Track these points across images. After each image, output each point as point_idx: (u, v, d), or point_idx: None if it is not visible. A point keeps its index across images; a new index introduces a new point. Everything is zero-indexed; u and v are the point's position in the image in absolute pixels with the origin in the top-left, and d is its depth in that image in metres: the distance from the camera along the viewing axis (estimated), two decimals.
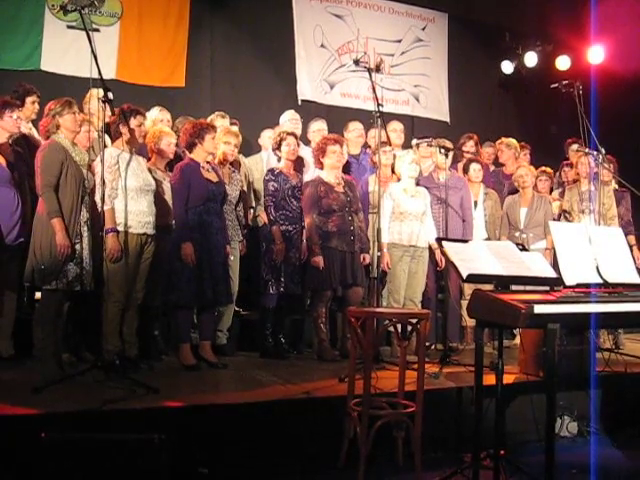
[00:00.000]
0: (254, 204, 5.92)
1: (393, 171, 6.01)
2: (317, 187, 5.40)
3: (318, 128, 6.31)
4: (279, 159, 5.60)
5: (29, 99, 5.23)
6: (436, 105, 8.82)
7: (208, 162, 5.08)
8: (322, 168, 5.51)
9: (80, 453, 2.91)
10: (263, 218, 5.65)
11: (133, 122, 4.69)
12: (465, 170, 6.42)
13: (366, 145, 6.55)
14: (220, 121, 5.86)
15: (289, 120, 6.24)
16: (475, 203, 6.33)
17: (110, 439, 2.98)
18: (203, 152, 4.99)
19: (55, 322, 4.46)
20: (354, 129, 6.39)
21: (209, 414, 3.72)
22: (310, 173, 5.92)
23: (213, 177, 5.02)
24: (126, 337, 4.71)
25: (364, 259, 5.51)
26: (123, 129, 4.66)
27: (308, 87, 8.00)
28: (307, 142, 6.48)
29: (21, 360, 4.60)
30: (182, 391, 4.15)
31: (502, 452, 3.41)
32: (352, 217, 5.45)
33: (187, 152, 5.11)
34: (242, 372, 4.83)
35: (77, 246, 4.43)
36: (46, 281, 4.36)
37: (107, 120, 4.76)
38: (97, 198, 4.44)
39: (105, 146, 4.77)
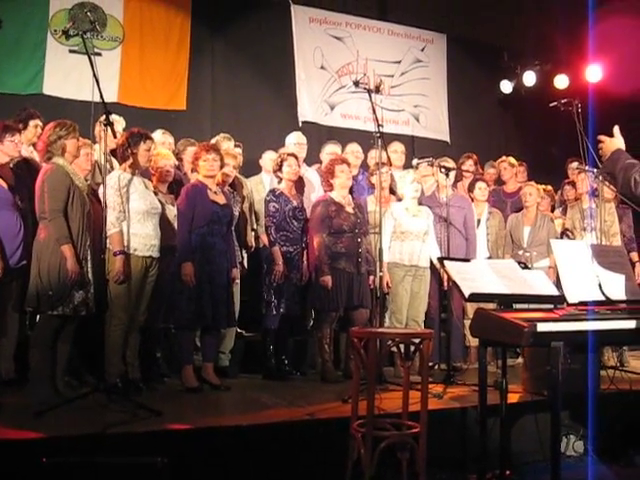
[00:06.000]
0: (255, 226, 5.93)
1: (391, 192, 6.03)
2: (328, 207, 5.40)
3: (332, 151, 6.33)
4: (280, 180, 5.61)
5: (32, 122, 5.25)
6: (436, 125, 8.87)
7: (218, 184, 5.09)
8: (331, 190, 5.52)
9: (82, 477, 2.89)
10: (264, 240, 5.66)
11: (143, 146, 4.70)
12: (470, 189, 6.43)
13: (365, 165, 6.58)
14: (226, 143, 5.88)
15: (295, 144, 6.25)
16: (478, 222, 6.34)
17: (112, 463, 2.96)
18: (201, 175, 5.02)
19: (53, 346, 4.45)
20: (351, 151, 6.42)
21: (212, 437, 3.69)
22: (315, 194, 5.94)
23: (220, 199, 5.03)
24: (128, 359, 4.69)
25: (373, 281, 5.48)
26: (134, 150, 4.66)
27: (309, 109, 8.05)
28: (311, 164, 6.52)
29: (23, 383, 4.57)
30: (185, 414, 4.13)
31: (508, 472, 3.39)
32: (361, 239, 5.45)
33: (188, 175, 5.13)
34: (245, 394, 4.81)
35: (83, 270, 4.43)
36: (52, 307, 4.32)
37: (114, 143, 4.80)
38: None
39: (112, 169, 4.80)
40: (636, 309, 3.36)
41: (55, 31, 6.75)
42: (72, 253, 4.31)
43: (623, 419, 4.53)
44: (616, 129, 3.29)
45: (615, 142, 3.24)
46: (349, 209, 5.47)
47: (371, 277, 5.50)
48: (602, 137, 3.30)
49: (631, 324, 3.22)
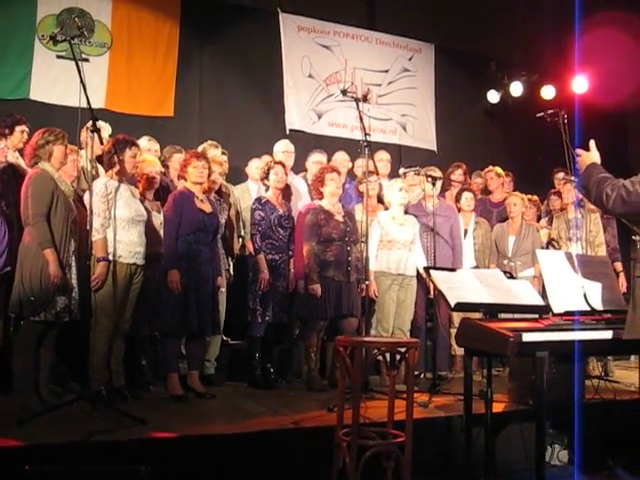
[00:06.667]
0: (242, 233, 5.92)
1: (379, 201, 6.03)
2: (317, 215, 5.40)
3: (317, 160, 6.33)
4: (267, 188, 5.61)
5: (18, 128, 5.22)
6: (423, 134, 8.90)
7: (204, 192, 5.08)
8: (322, 198, 5.52)
9: None
10: (249, 247, 5.65)
11: (128, 153, 4.68)
12: (457, 199, 6.45)
13: (352, 174, 6.59)
14: (213, 151, 5.88)
15: (282, 152, 6.24)
16: (465, 232, 6.35)
17: (95, 471, 2.94)
18: (189, 182, 5.01)
19: (36, 352, 4.41)
20: (335, 159, 6.44)
21: (197, 445, 3.67)
22: (302, 202, 5.94)
23: (207, 208, 5.02)
24: (113, 367, 4.66)
25: (362, 290, 5.47)
26: (120, 157, 4.64)
27: (296, 117, 8.05)
28: (298, 172, 6.52)
29: (6, 390, 4.53)
30: (169, 422, 4.10)
31: None
32: (350, 247, 5.44)
33: (175, 181, 5.11)
34: (230, 402, 4.79)
35: (66, 276, 4.40)
36: (35, 313, 4.30)
37: (100, 150, 4.77)
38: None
39: (97, 175, 4.77)
40: (621, 319, 3.38)
41: (42, 36, 6.72)
42: (54, 258, 4.29)
43: (607, 429, 4.55)
44: (592, 143, 3.34)
45: (591, 156, 3.29)
46: (339, 217, 5.47)
47: (361, 286, 5.50)
48: (579, 151, 3.34)
49: (615, 334, 3.24)
